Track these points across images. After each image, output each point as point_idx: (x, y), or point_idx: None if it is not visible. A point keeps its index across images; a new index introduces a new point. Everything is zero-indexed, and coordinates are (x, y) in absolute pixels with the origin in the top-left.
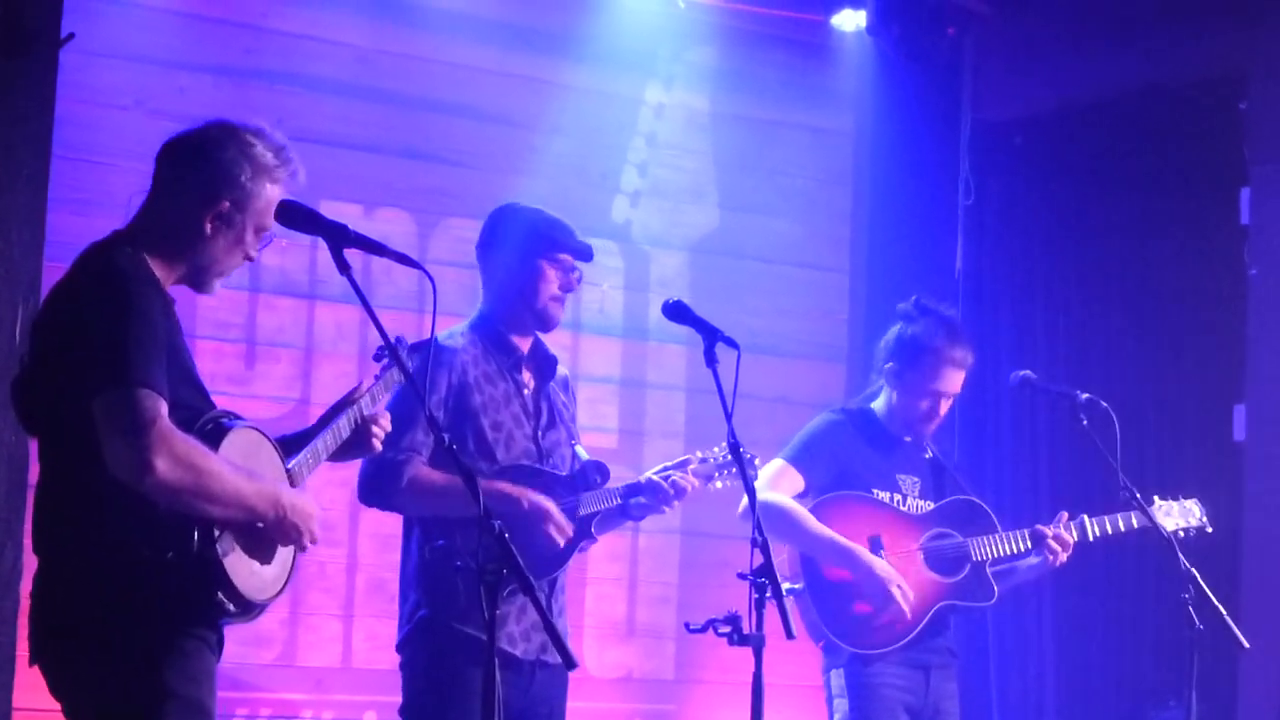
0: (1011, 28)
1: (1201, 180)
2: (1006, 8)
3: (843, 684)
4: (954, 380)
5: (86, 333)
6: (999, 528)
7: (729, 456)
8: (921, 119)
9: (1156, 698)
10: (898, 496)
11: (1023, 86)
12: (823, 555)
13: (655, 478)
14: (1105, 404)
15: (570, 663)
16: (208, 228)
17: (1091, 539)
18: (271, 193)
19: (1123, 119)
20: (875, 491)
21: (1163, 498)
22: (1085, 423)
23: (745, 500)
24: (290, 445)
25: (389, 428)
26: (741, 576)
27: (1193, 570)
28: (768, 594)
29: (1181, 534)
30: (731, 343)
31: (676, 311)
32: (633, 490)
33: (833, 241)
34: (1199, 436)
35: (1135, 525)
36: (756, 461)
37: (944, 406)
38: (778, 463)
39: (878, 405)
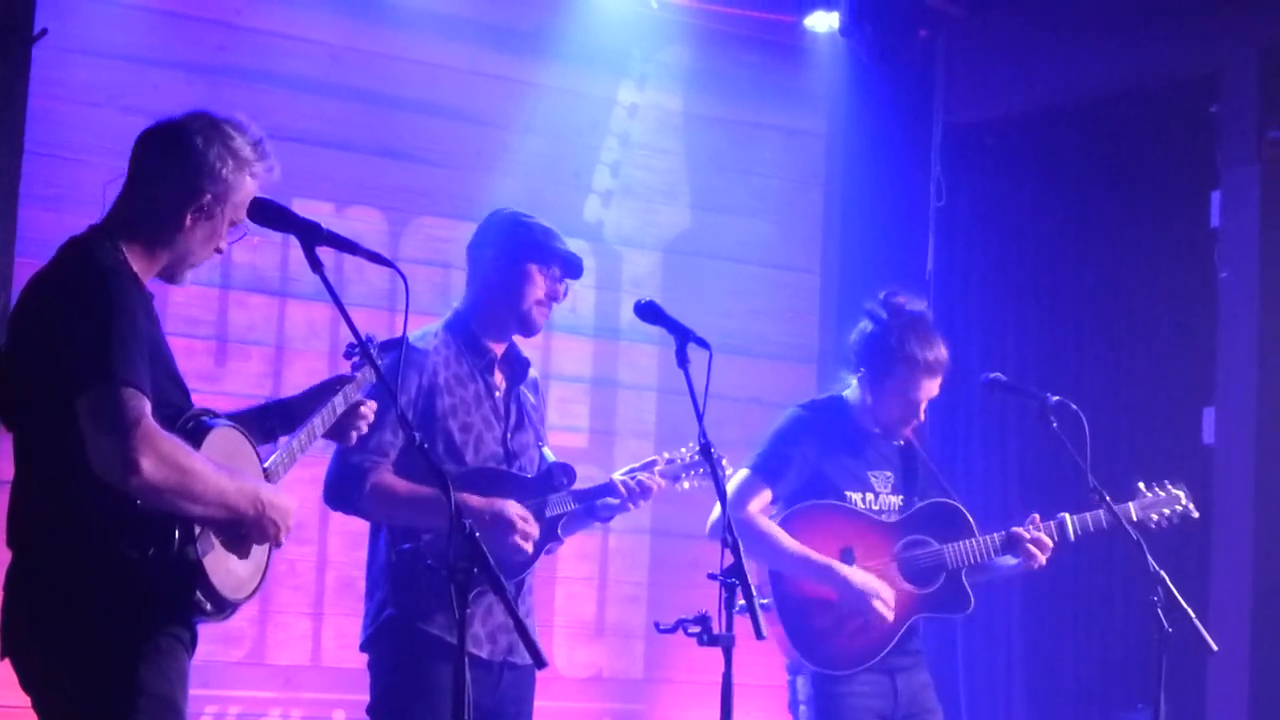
0: (984, 30)
1: (1173, 183)
2: (979, 10)
3: (809, 692)
4: (932, 387)
5: (69, 330)
6: (976, 532)
7: (696, 456)
8: (894, 120)
9: (1125, 700)
10: (869, 496)
11: (995, 88)
12: (798, 572)
13: (621, 478)
14: (1075, 406)
15: (540, 662)
16: (188, 220)
17: (1073, 538)
18: (249, 186)
19: (1094, 121)
20: (848, 494)
21: (1148, 486)
22: (1055, 425)
23: (716, 510)
24: (248, 422)
25: (371, 415)
26: (711, 577)
27: (1162, 572)
28: (738, 594)
29: (1166, 524)
30: (703, 343)
31: (648, 311)
32: (598, 491)
33: (805, 242)
34: (1169, 439)
35: (1121, 521)
36: (725, 462)
37: (922, 411)
38: (744, 473)
39: (850, 394)
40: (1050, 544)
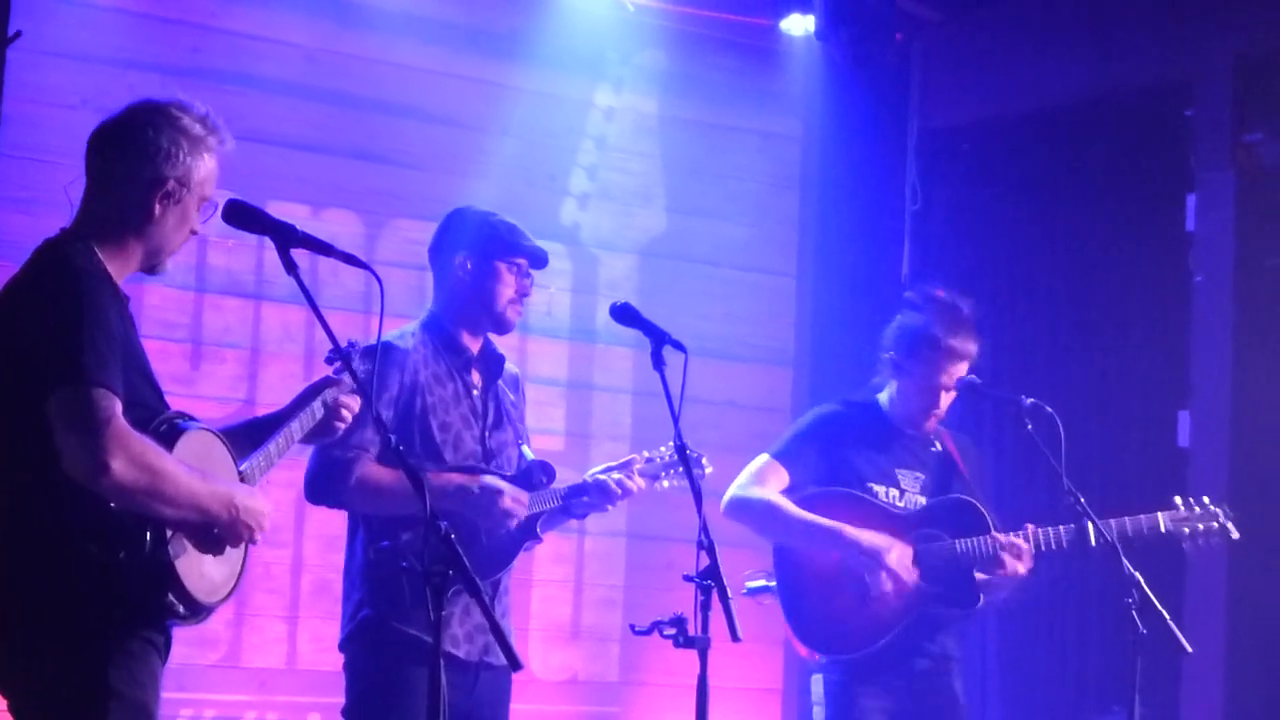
0: (960, 35)
1: (1148, 187)
2: (955, 15)
3: (820, 691)
4: (955, 372)
5: (42, 331)
6: (992, 530)
7: (674, 456)
8: (869, 124)
9: (1100, 702)
10: (894, 492)
11: (970, 93)
12: (806, 540)
13: (600, 478)
14: (1050, 409)
15: (515, 664)
16: (156, 209)
17: (1094, 544)
18: (209, 162)
19: (1070, 126)
20: (872, 486)
21: (1184, 500)
22: (1030, 427)
23: (732, 488)
24: (236, 436)
25: (355, 407)
26: (687, 579)
27: (1136, 575)
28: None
29: (1203, 542)
30: (679, 346)
31: (624, 314)
32: (577, 490)
33: (781, 246)
34: (1143, 442)
35: (1145, 530)
36: (704, 460)
37: (944, 400)
38: (764, 458)
39: (884, 396)
40: (1023, 547)
